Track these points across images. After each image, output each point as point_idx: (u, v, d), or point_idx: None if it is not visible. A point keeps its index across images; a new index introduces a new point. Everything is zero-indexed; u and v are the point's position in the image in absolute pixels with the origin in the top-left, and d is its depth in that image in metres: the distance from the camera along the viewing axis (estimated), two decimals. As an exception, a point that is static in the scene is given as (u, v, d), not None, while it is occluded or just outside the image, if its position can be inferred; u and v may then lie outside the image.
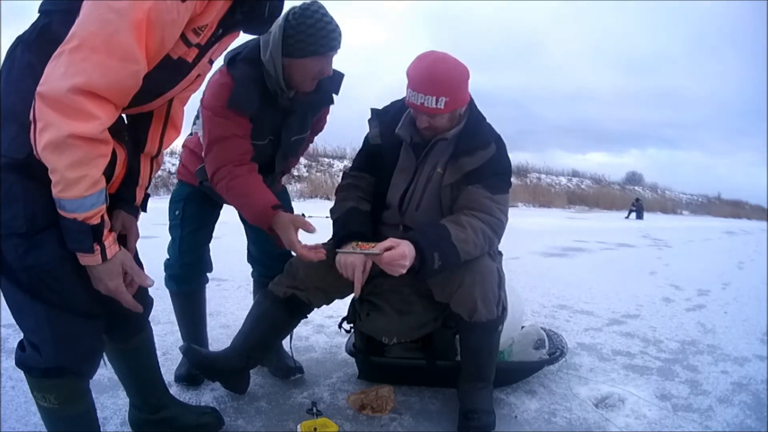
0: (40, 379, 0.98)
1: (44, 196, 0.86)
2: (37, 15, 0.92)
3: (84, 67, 0.79)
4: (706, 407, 1.64)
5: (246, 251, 1.76)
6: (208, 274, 1.71)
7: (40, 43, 0.87)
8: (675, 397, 1.71)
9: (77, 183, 0.82)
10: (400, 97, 1.55)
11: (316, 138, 1.78)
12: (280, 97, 1.42)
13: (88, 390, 1.05)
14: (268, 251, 1.67)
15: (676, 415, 1.58)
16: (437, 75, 1.32)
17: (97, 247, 0.89)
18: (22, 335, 1.00)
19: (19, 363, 1.00)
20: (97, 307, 0.98)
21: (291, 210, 1.69)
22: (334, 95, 1.57)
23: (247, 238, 1.72)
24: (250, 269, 1.80)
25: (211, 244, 1.69)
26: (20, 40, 0.91)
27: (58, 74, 0.78)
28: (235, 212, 1.60)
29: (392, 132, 1.49)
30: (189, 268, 1.62)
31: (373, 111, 1.56)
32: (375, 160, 1.55)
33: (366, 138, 1.58)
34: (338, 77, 1.52)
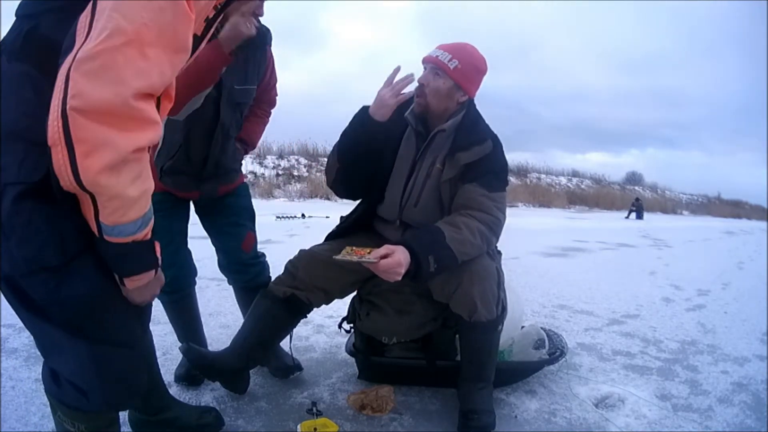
0: (74, 411, 0.90)
1: (70, 218, 0.78)
2: (14, 19, 0.81)
3: (142, 68, 0.68)
4: (706, 407, 1.64)
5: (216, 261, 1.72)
6: (197, 277, 1.69)
7: (30, 49, 0.77)
8: (675, 397, 1.71)
9: (139, 200, 0.74)
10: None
11: (314, 139, 1.78)
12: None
13: (117, 417, 1.01)
14: (238, 258, 1.66)
15: (676, 415, 1.58)
16: (462, 46, 1.45)
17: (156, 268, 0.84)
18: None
19: (55, 397, 0.91)
20: (139, 332, 0.93)
21: (251, 210, 1.68)
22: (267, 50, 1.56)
23: (215, 248, 1.68)
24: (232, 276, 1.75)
25: (208, 244, 1.68)
26: (3, 51, 0.80)
27: (106, 80, 0.66)
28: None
29: (398, 119, 1.50)
30: (174, 280, 1.58)
31: None
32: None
33: None
34: (267, 31, 1.51)
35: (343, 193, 1.57)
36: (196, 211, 1.63)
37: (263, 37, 1.49)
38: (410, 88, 1.39)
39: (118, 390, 0.89)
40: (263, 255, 1.73)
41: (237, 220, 1.63)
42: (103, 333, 0.85)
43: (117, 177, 0.70)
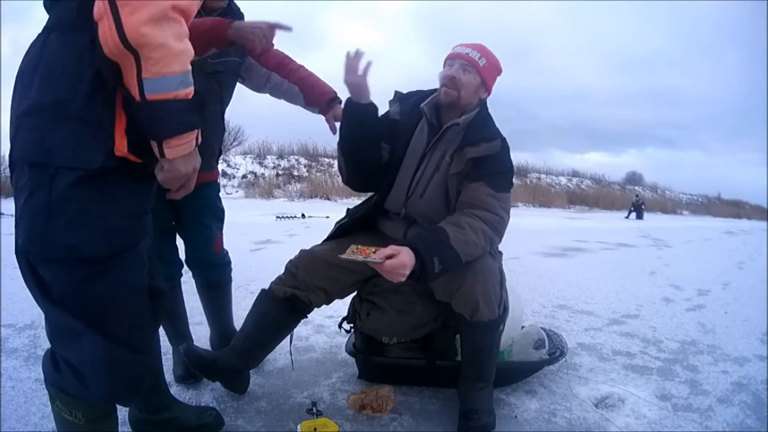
0: (72, 399, 0.92)
1: (120, 214, 0.81)
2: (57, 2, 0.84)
3: None
4: (706, 407, 1.64)
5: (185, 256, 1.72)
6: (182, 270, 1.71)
7: (89, 16, 0.78)
8: (675, 397, 1.71)
9: (181, 55, 0.78)
10: (426, 89, 1.58)
11: (314, 138, 1.79)
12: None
13: (115, 407, 1.02)
14: (208, 257, 1.68)
15: (676, 415, 1.57)
16: (483, 46, 1.51)
17: (197, 130, 0.83)
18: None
19: (54, 384, 0.92)
20: (153, 341, 0.94)
21: (222, 210, 1.69)
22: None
23: (185, 243, 1.68)
24: (214, 271, 1.75)
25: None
26: (53, 29, 0.82)
27: None
28: (233, 215, 1.58)
29: (412, 112, 1.53)
30: (168, 275, 1.60)
31: (397, 93, 1.61)
32: (392, 130, 1.54)
33: (386, 113, 1.58)
34: (239, 10, 1.57)
35: (359, 186, 1.58)
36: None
37: (237, 15, 1.56)
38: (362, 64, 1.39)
39: (120, 388, 0.90)
40: (227, 253, 1.77)
41: (208, 222, 1.65)
42: (122, 335, 0.86)
43: (160, 29, 0.75)
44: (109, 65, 0.77)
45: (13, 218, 0.87)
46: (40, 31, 0.86)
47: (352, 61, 1.37)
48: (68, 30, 0.80)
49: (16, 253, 0.85)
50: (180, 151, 0.83)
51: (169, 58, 0.77)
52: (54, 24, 0.82)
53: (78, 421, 0.94)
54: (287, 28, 1.33)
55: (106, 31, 0.74)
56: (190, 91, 0.81)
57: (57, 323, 0.87)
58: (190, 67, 0.81)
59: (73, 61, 0.79)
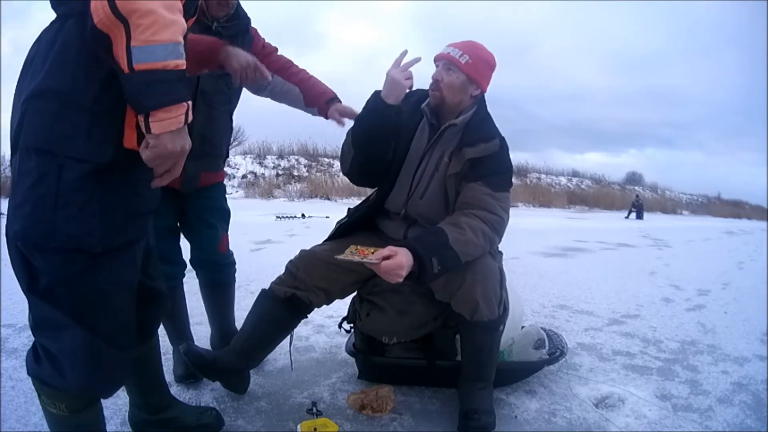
0: (53, 389, 0.92)
1: (122, 213, 0.81)
2: None
3: None
4: (706, 407, 1.64)
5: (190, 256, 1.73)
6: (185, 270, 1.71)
7: None
8: (675, 397, 1.71)
9: (171, 25, 0.75)
10: (426, 88, 1.57)
11: (314, 138, 1.79)
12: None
13: (99, 399, 1.03)
14: (213, 258, 1.69)
15: (676, 415, 1.57)
16: (472, 43, 1.50)
17: (186, 105, 0.78)
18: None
19: (34, 375, 0.93)
20: (135, 338, 0.95)
21: (227, 211, 1.70)
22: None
23: (190, 244, 1.69)
24: (216, 271, 1.76)
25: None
26: (69, 16, 0.81)
27: None
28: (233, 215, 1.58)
29: (414, 112, 1.53)
30: (166, 275, 1.62)
31: None
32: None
33: None
34: (246, 15, 1.59)
35: (359, 180, 1.56)
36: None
37: (244, 20, 1.58)
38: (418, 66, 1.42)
39: (97, 380, 0.90)
40: (232, 253, 1.77)
41: (214, 222, 1.66)
42: (104, 330, 0.86)
43: None
44: (98, 37, 0.75)
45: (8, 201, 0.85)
46: (53, 19, 0.85)
47: (407, 63, 1.38)
48: (83, 18, 0.79)
49: (7, 236, 0.84)
50: (167, 126, 0.77)
51: (158, 26, 0.74)
52: (69, 13, 0.82)
53: (62, 413, 0.95)
54: (267, 79, 1.37)
55: (97, 3, 0.73)
56: (180, 62, 0.78)
57: (41, 313, 0.87)
58: (181, 39, 0.78)
59: (88, 50, 0.78)
